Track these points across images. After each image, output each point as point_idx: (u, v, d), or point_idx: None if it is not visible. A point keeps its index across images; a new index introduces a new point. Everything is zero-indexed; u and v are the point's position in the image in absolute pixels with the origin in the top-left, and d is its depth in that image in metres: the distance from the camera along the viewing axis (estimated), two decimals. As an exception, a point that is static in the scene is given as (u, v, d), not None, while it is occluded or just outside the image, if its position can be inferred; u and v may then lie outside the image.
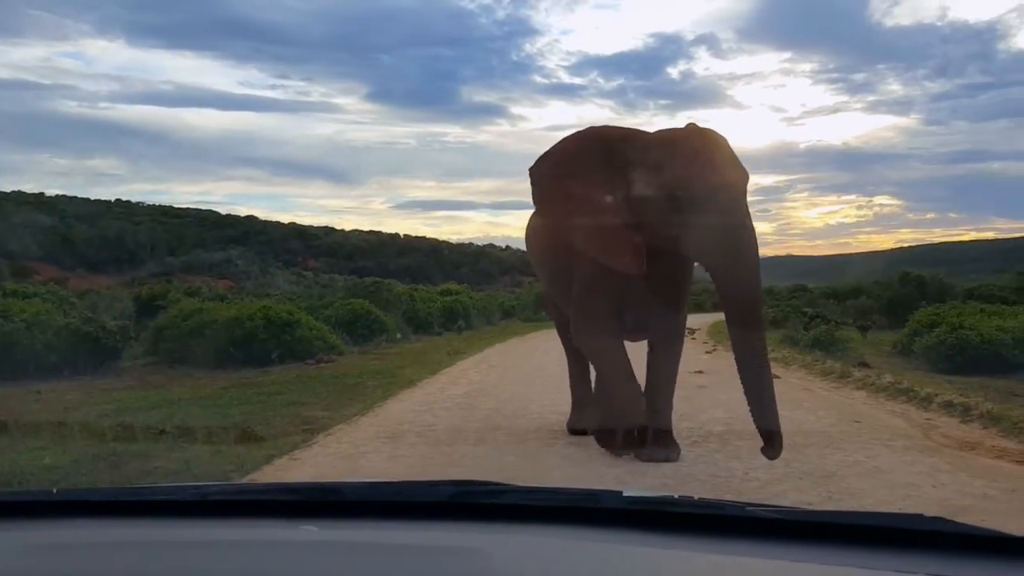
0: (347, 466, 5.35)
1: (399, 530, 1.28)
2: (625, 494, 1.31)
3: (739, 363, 4.74)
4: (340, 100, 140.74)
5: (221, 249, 53.76)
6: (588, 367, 6.56)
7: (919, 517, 1.12)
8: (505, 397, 8.57)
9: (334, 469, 5.25)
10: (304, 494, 1.48)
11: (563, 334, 6.64)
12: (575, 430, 6.31)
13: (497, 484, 1.45)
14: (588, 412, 6.17)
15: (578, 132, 5.46)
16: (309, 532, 1.24)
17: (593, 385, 6.25)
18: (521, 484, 1.49)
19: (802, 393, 8.64)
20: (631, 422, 5.33)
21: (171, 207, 66.08)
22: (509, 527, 1.26)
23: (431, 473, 5.05)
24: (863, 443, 5.90)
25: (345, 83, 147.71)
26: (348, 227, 73.63)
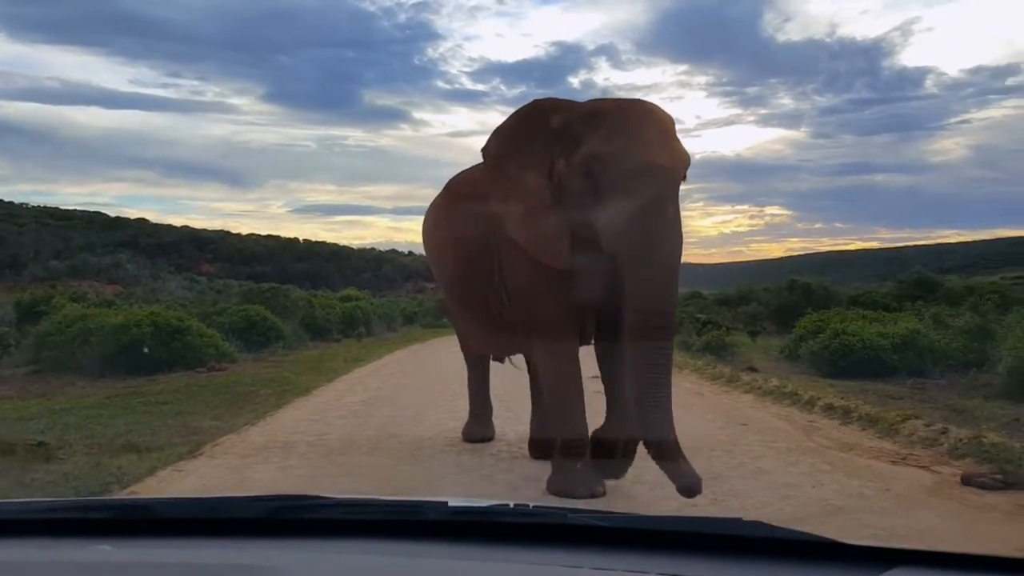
0: (233, 478, 5.15)
1: (208, 548, 1.22)
2: (450, 504, 1.27)
3: (637, 378, 3.91)
4: (236, 100, 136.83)
5: (110, 253, 51.26)
6: (488, 376, 6.46)
7: (738, 522, 1.13)
8: (403, 404, 8.45)
9: (219, 481, 5.04)
10: (112, 511, 1.39)
11: (464, 342, 6.41)
12: (472, 439, 6.22)
13: (319, 497, 1.39)
14: (534, 422, 5.70)
15: (524, 106, 4.75)
16: (104, 552, 1.15)
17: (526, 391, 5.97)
18: (385, 496, 1.44)
19: (693, 397, 8.87)
20: (573, 439, 4.59)
21: (57, 208, 62.80)
22: (327, 543, 1.21)
23: (322, 484, 4.91)
24: (749, 445, 6.08)
25: (241, 83, 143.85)
26: (244, 231, 71.59)
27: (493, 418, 6.56)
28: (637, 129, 4.04)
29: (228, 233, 67.73)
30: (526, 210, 4.39)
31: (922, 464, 5.36)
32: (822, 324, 12.65)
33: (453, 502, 1.27)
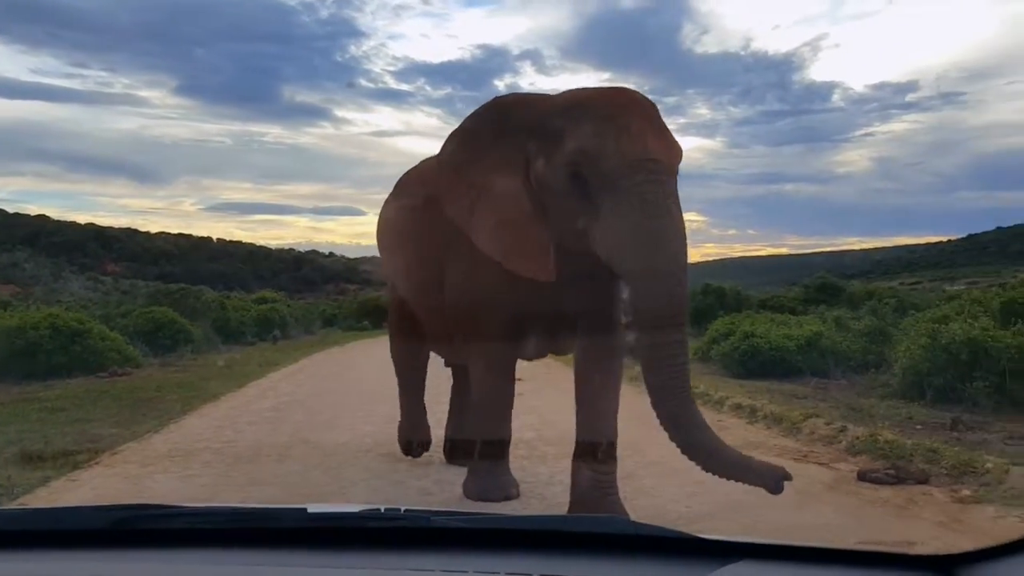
0: (131, 487, 4.96)
1: (51, 561, 1.17)
2: (309, 510, 1.25)
3: (655, 402, 3.53)
4: (146, 93, 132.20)
5: (7, 251, 48.75)
6: (424, 384, 6.00)
7: (611, 519, 1.16)
8: (316, 409, 8.29)
9: (115, 491, 4.84)
10: None
11: (404, 348, 5.84)
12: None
13: (168, 507, 1.35)
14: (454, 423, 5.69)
15: (484, 104, 4.27)
16: None
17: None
18: (267, 504, 1.40)
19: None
20: (493, 440, 4.56)
21: (-51, 203, 59.26)
22: (175, 554, 1.17)
23: (226, 494, 4.78)
24: (662, 445, 6.15)
25: (152, 75, 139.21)
26: (154, 229, 69.31)
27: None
28: (627, 119, 3.56)
29: (136, 231, 65.46)
30: (501, 221, 3.91)
31: (822, 461, 5.58)
32: (732, 327, 13.02)
33: (313, 508, 1.25)
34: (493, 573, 1.02)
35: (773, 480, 3.37)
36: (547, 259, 3.80)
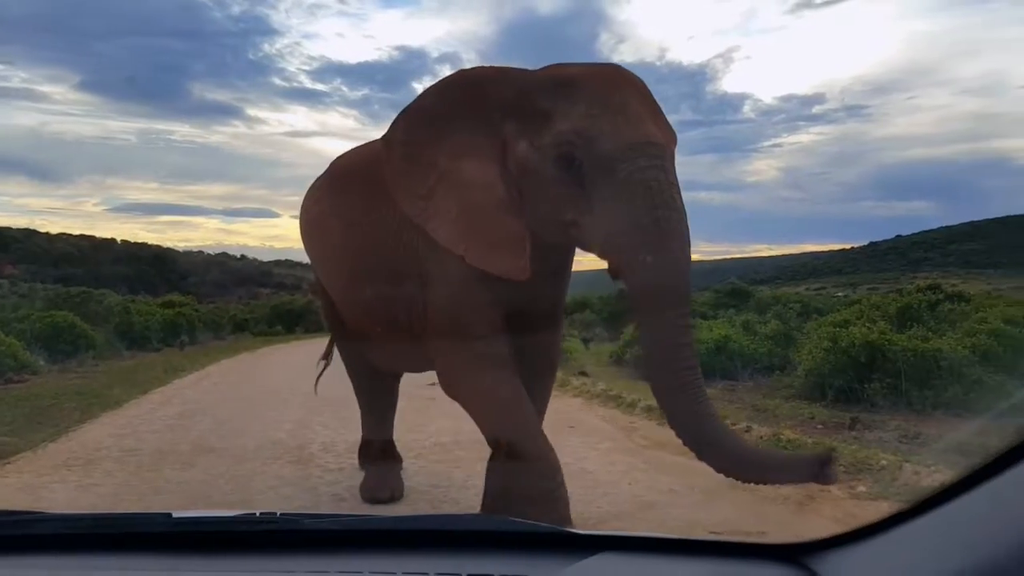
0: (26, 498, 4.73)
1: None
2: (174, 516, 1.24)
3: (665, 407, 3.08)
4: (46, 88, 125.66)
5: None
6: (395, 401, 5.23)
7: (485, 518, 1.19)
8: (224, 417, 8.05)
9: (7, 502, 4.59)
10: None
11: (354, 356, 5.01)
12: (377, 498, 4.71)
13: (33, 513, 1.31)
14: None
15: (444, 79, 3.73)
16: None
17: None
18: (195, 511, 1.36)
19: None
20: (558, 498, 3.69)
21: None
22: (40, 559, 1.14)
23: (127, 503, 4.60)
24: (574, 447, 6.28)
25: (53, 69, 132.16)
26: (54, 230, 66.14)
27: (320, 427, 6.38)
28: (624, 99, 3.22)
29: (35, 232, 62.17)
30: (467, 210, 3.47)
31: (728, 460, 5.74)
32: (646, 331, 13.26)
33: (178, 514, 1.23)
34: (357, 572, 1.03)
35: (814, 470, 2.75)
36: (523, 255, 3.36)
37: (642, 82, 3.39)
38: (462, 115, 3.52)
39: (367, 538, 1.17)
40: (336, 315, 4.83)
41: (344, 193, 4.40)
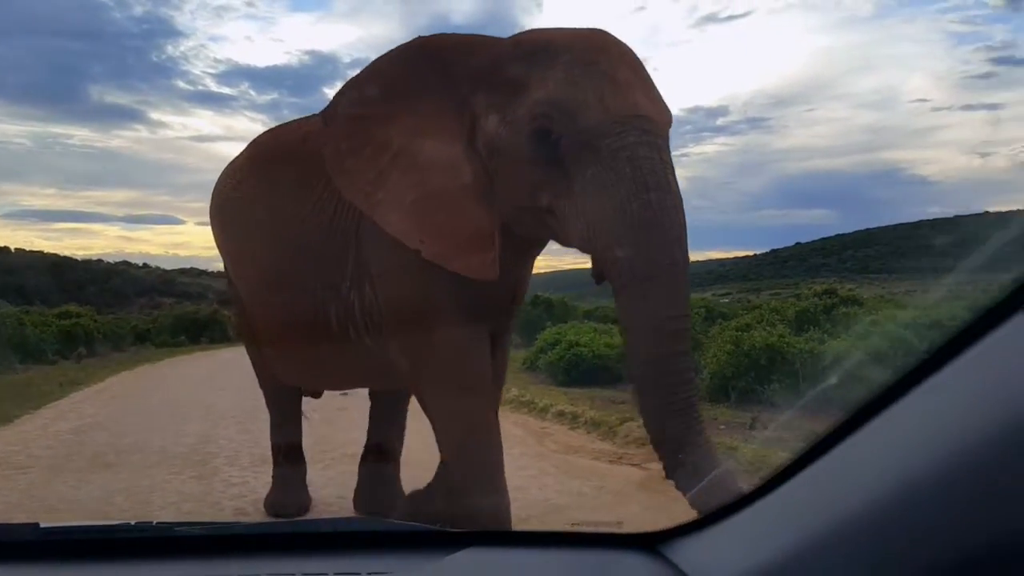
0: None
1: None
2: (42, 526, 1.23)
3: (651, 428, 2.62)
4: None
5: None
6: (301, 416, 4.65)
7: (360, 520, 1.23)
8: (123, 431, 7.73)
9: None
10: None
11: (269, 370, 4.38)
12: (283, 512, 4.43)
13: None
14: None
15: (401, 45, 3.20)
16: None
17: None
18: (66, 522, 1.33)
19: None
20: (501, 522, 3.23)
21: None
22: None
23: (16, 521, 4.36)
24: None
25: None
26: (-60, 238, 62.03)
27: (224, 440, 6.21)
28: (611, 66, 2.77)
29: (-83, 240, 58.42)
30: (426, 195, 2.98)
31: (635, 462, 5.89)
32: (559, 337, 13.46)
33: (46, 524, 1.20)
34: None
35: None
36: (491, 250, 2.92)
37: (632, 51, 2.93)
38: (421, 86, 3.05)
39: (239, 544, 1.17)
40: (250, 321, 4.25)
41: (268, 175, 3.84)
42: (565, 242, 2.90)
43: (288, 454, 4.54)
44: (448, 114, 3.00)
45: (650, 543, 1.09)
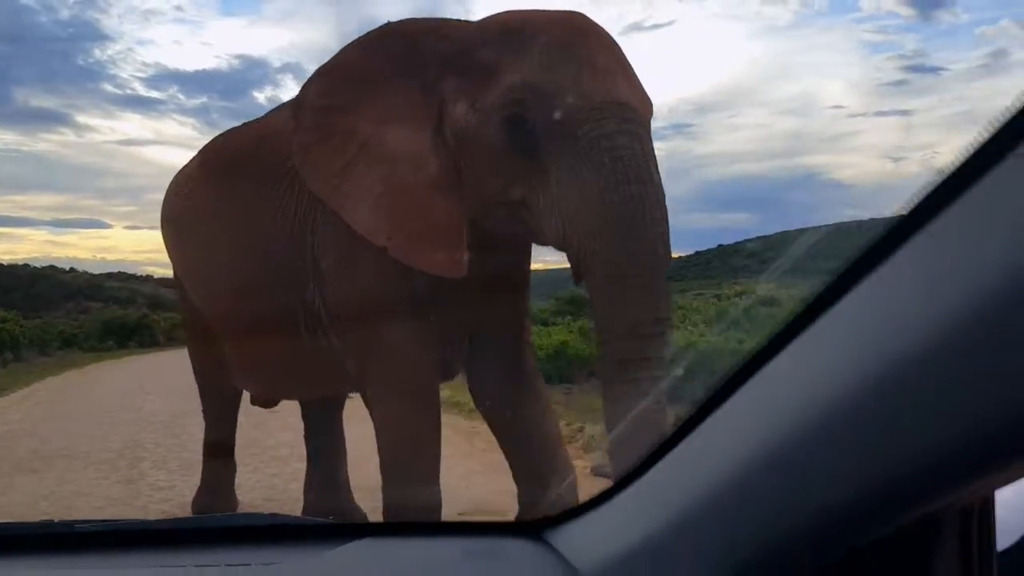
0: None
1: None
2: None
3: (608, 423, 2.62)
4: None
5: None
6: (236, 421, 4.58)
7: (248, 515, 1.28)
8: (48, 437, 7.59)
9: None
10: None
11: (217, 377, 4.22)
12: (202, 511, 4.40)
13: None
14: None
15: (369, 32, 3.04)
16: None
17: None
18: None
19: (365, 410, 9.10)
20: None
21: None
22: None
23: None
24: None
25: None
26: None
27: (152, 444, 6.19)
28: (589, 50, 2.59)
29: None
30: (392, 188, 2.82)
31: (560, 459, 6.07)
32: (493, 338, 13.62)
33: None
34: (107, 569, 1.09)
35: None
36: (458, 246, 2.74)
37: (610, 35, 2.75)
38: (388, 73, 2.88)
39: (137, 539, 1.22)
40: (203, 328, 4.06)
41: (224, 180, 3.65)
42: (538, 238, 2.73)
43: (220, 457, 4.55)
44: (414, 101, 2.82)
45: (536, 530, 1.12)
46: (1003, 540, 0.76)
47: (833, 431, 0.54)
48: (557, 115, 2.51)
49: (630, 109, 2.54)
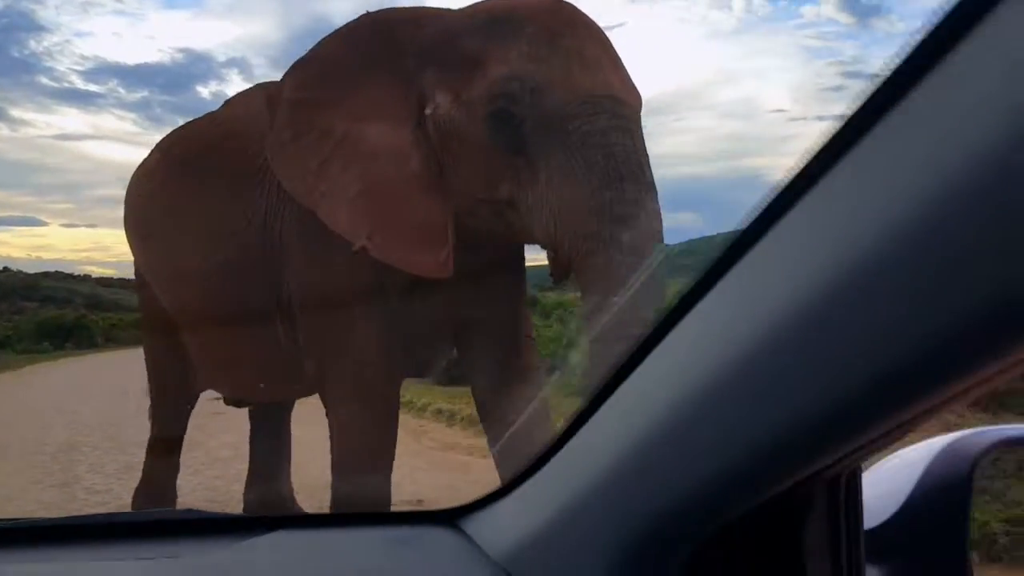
0: None
1: None
2: None
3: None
4: None
5: None
6: (186, 425, 4.41)
7: (164, 511, 1.27)
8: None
9: None
10: None
11: (166, 379, 4.16)
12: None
13: None
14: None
15: (349, 22, 2.94)
16: None
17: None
18: None
19: (314, 411, 9.03)
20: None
21: None
22: None
23: None
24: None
25: None
26: None
27: (89, 448, 6.06)
28: (578, 41, 2.51)
29: None
30: (372, 186, 2.71)
31: (505, 456, 6.14)
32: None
33: None
34: (10, 564, 1.08)
35: None
36: (443, 246, 2.64)
37: (598, 25, 2.66)
38: (367, 65, 2.77)
39: (42, 536, 1.20)
40: (166, 330, 3.88)
41: (189, 173, 3.48)
42: (525, 237, 2.67)
43: (165, 460, 4.39)
44: (395, 95, 2.71)
45: (453, 518, 1.13)
46: (871, 521, 0.82)
47: (702, 411, 0.58)
48: (548, 110, 2.42)
49: (622, 103, 2.47)
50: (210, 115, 3.74)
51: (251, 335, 3.34)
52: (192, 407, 4.34)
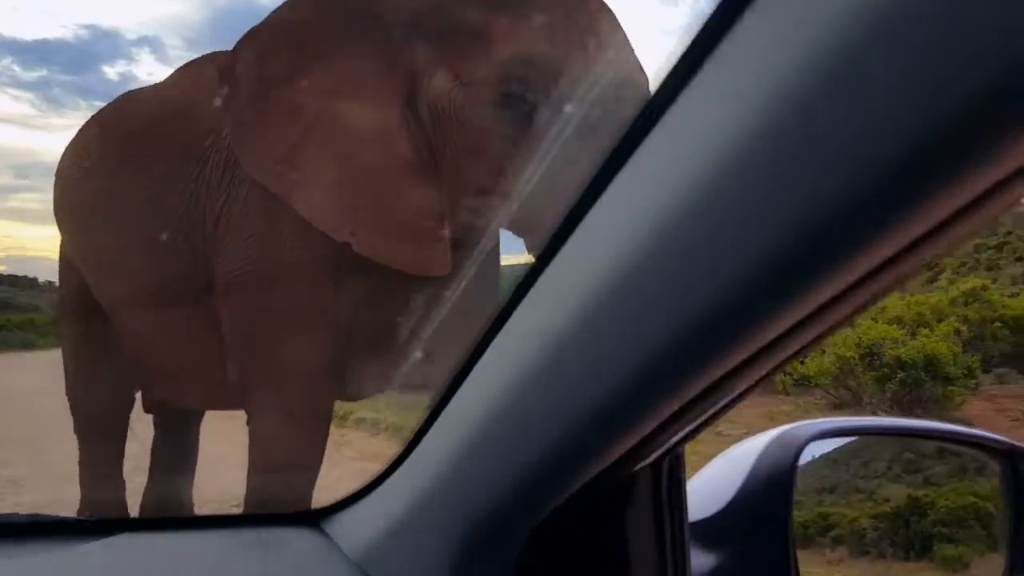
0: None
1: None
2: None
3: None
4: None
5: None
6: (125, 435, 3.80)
7: (16, 515, 1.22)
8: None
9: None
10: None
11: (95, 383, 3.64)
12: None
13: None
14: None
15: None
16: None
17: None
18: None
19: (231, 423, 8.84)
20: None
21: None
22: None
23: None
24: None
25: None
26: None
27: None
28: (594, 20, 2.31)
29: None
30: (354, 174, 2.44)
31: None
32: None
33: None
34: None
35: None
36: (440, 240, 2.41)
37: (607, 3, 2.41)
38: (343, 34, 2.42)
39: None
40: (95, 328, 3.40)
41: (130, 152, 3.04)
42: (533, 236, 2.40)
43: (103, 467, 3.89)
44: (377, 68, 2.40)
45: (314, 519, 1.12)
46: (704, 511, 0.91)
47: (505, 411, 0.65)
48: (559, 93, 2.21)
49: (637, 86, 2.23)
50: (154, 87, 3.33)
51: (194, 331, 2.94)
52: (131, 407, 3.81)
